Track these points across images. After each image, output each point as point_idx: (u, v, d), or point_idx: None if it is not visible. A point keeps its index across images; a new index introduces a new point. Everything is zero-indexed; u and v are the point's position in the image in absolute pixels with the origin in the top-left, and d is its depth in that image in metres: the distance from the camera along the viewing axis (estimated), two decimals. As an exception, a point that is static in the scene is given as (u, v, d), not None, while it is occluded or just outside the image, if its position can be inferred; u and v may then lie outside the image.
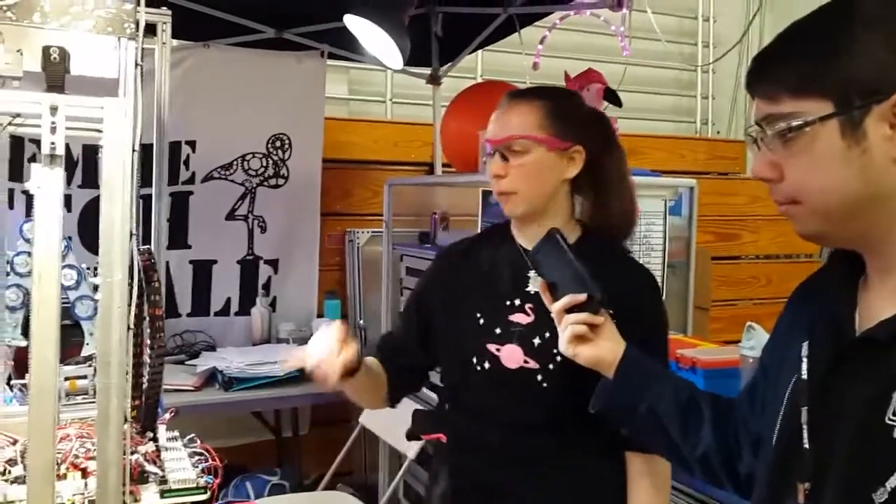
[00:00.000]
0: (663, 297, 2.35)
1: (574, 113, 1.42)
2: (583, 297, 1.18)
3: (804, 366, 0.94)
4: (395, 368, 1.48)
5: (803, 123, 0.85)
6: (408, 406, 2.69)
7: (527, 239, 1.42)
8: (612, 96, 2.15)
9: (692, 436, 1.14)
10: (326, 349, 1.29)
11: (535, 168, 1.36)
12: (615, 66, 3.36)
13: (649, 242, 2.29)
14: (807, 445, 0.91)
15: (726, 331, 3.99)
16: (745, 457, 1.09)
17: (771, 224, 4.77)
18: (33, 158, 2.80)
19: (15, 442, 1.23)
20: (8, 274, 1.42)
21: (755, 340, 1.85)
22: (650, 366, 1.22)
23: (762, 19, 4.85)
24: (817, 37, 0.87)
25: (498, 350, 1.37)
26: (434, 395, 2.35)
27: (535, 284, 1.39)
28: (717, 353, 1.99)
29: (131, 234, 1.09)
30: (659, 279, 2.32)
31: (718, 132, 5.26)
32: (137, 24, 1.14)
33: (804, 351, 0.95)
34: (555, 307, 1.21)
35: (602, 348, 1.19)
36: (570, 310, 1.19)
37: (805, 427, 0.91)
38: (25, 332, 1.43)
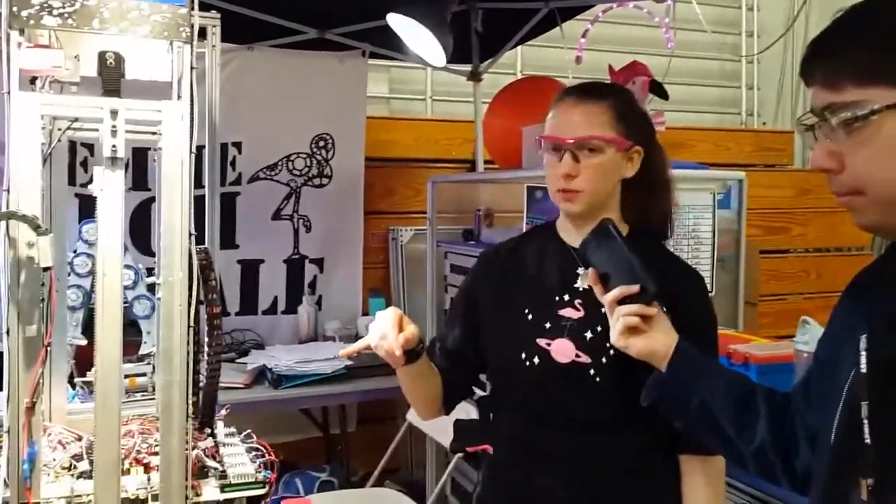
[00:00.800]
0: (712, 292, 2.32)
1: (635, 112, 1.43)
2: (635, 288, 1.17)
3: (863, 359, 0.92)
4: (448, 373, 1.47)
5: (869, 112, 0.83)
6: (458, 406, 2.71)
7: (575, 237, 1.42)
8: (657, 89, 2.12)
9: (747, 430, 1.13)
10: (388, 326, 1.30)
11: (604, 168, 1.37)
12: (659, 58, 3.31)
13: (698, 236, 2.26)
14: (868, 441, 0.89)
15: (775, 325, 3.93)
16: (802, 452, 1.08)
17: (820, 217, 4.67)
18: (85, 162, 2.87)
19: (80, 438, 1.27)
20: (69, 275, 1.46)
21: (810, 335, 1.82)
22: (703, 359, 1.20)
23: (808, 7, 4.74)
24: (883, 23, 0.85)
25: (548, 345, 1.36)
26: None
27: (583, 281, 1.39)
28: (770, 349, 1.96)
29: (190, 234, 1.11)
30: (708, 274, 2.29)
31: (764, 123, 5.16)
32: (192, 27, 1.16)
33: (863, 344, 0.93)
34: (607, 298, 1.20)
35: (655, 340, 1.17)
36: (623, 301, 1.18)
37: (866, 422, 0.89)
38: (85, 330, 1.47)
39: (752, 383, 1.18)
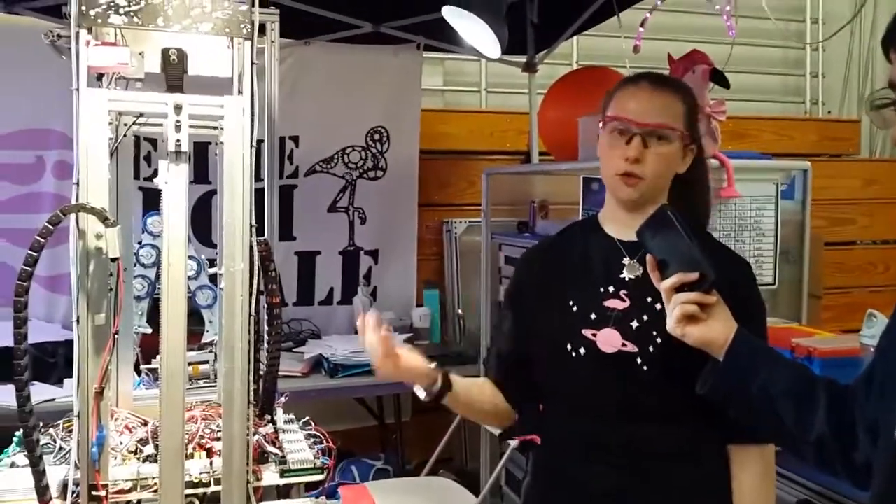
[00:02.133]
0: (775, 285, 2.26)
1: (697, 111, 1.45)
2: (694, 275, 1.15)
3: None
4: (508, 380, 1.49)
5: None
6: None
7: (622, 227, 1.41)
8: (718, 77, 2.07)
9: (806, 420, 1.10)
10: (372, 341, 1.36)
11: (670, 159, 1.37)
12: (719, 46, 3.24)
13: (760, 228, 2.20)
14: None
15: (839, 319, 3.81)
16: (863, 444, 1.05)
17: (887, 208, 4.51)
18: (148, 156, 2.95)
19: (145, 423, 1.31)
20: (134, 265, 1.50)
21: (876, 329, 1.77)
22: (763, 348, 1.18)
23: (877, -7, 4.58)
24: None
25: (594, 335, 1.35)
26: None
27: (629, 272, 1.38)
28: (835, 342, 1.90)
29: (251, 226, 1.14)
30: (770, 266, 2.23)
31: (829, 112, 5.00)
32: (252, 24, 1.18)
33: None
34: (664, 285, 1.18)
35: (713, 329, 1.15)
36: (680, 289, 1.16)
37: None
38: (150, 319, 1.52)
39: (812, 374, 1.15)
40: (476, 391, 1.47)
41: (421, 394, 1.39)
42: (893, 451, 0.95)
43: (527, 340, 1.46)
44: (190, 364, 1.52)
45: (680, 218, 1.21)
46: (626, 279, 1.38)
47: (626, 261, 1.38)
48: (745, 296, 1.34)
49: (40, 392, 2.51)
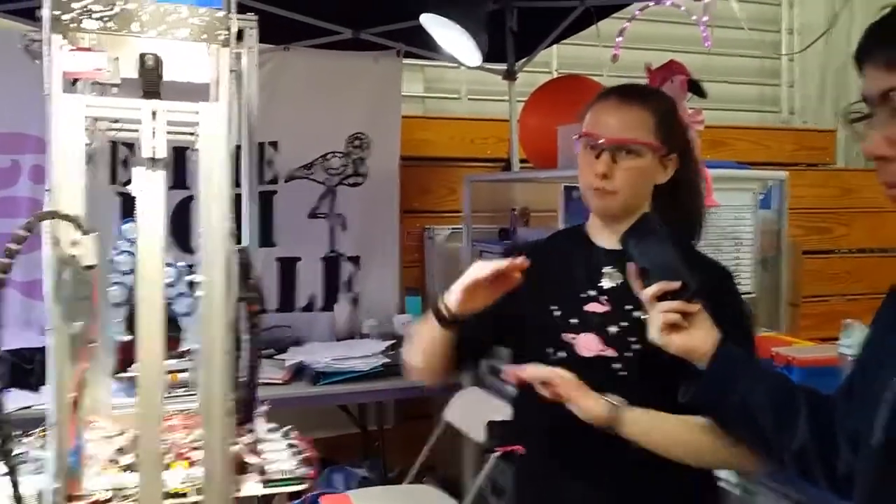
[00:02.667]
0: (754, 293, 2.28)
1: (675, 120, 1.44)
2: (677, 284, 1.16)
3: None
4: (461, 345, 1.43)
5: None
6: (492, 406, 2.70)
7: (605, 237, 1.42)
8: (695, 87, 2.09)
9: (787, 429, 1.11)
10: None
11: (641, 172, 1.38)
12: (696, 56, 3.27)
13: (738, 237, 2.23)
14: None
15: (817, 328, 3.84)
16: (843, 454, 1.05)
17: (864, 217, 4.57)
18: (125, 161, 2.92)
19: (122, 432, 1.29)
20: (111, 272, 1.48)
21: (854, 338, 1.79)
22: (745, 357, 1.19)
23: (851, 4, 4.64)
24: None
25: (573, 339, 1.36)
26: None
27: (609, 280, 1.39)
28: (814, 352, 1.92)
29: (230, 234, 1.13)
30: (749, 275, 2.25)
31: (805, 122, 5.06)
32: (230, 30, 1.17)
33: None
34: (646, 293, 1.19)
35: (695, 338, 1.16)
36: (663, 297, 1.17)
37: None
38: (128, 327, 1.50)
39: (793, 384, 1.16)
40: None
41: (443, 308, 1.35)
42: (873, 460, 0.96)
43: (496, 319, 1.41)
44: (168, 372, 1.49)
45: (663, 227, 1.22)
46: (605, 287, 1.39)
47: (606, 269, 1.40)
48: (728, 304, 1.35)
49: (18, 399, 2.47)
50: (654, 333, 1.18)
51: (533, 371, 1.28)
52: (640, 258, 1.22)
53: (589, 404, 1.26)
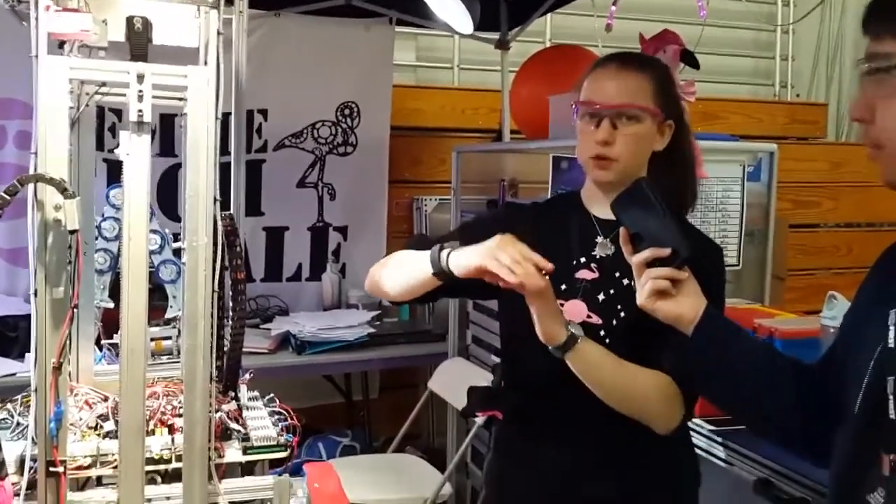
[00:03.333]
0: (739, 265, 2.29)
1: (671, 86, 1.44)
2: (667, 251, 1.15)
3: (891, 335, 0.91)
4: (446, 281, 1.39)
5: (894, 65, 0.85)
6: (476, 375, 2.72)
7: (601, 206, 1.42)
8: (689, 58, 2.08)
9: (769, 397, 1.12)
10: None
11: (641, 138, 1.37)
12: (691, 27, 3.25)
13: (726, 209, 2.23)
14: (893, 416, 0.88)
15: (802, 301, 3.88)
16: (823, 423, 1.07)
17: (852, 191, 4.58)
18: (113, 128, 2.89)
19: (106, 399, 1.29)
20: (96, 239, 1.47)
21: (837, 310, 1.80)
22: (731, 326, 1.19)
23: (846, -25, 4.62)
24: None
25: (562, 305, 1.36)
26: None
27: (602, 249, 1.40)
28: (796, 323, 1.94)
29: (215, 200, 1.12)
30: (735, 247, 2.26)
31: (798, 95, 5.06)
32: (218, -8, 1.15)
33: (891, 319, 0.92)
34: (636, 259, 1.18)
35: (683, 305, 1.16)
36: (652, 263, 1.17)
37: (892, 398, 0.89)
38: (112, 293, 1.49)
39: (778, 353, 1.17)
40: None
41: (445, 266, 1.30)
42: (853, 429, 0.97)
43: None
44: (152, 340, 1.50)
45: (656, 192, 1.21)
46: (598, 256, 1.39)
47: (599, 239, 1.41)
48: (712, 278, 1.34)
49: (2, 366, 2.47)
50: (643, 299, 1.18)
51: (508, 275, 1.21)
52: (631, 223, 1.21)
53: (548, 326, 1.26)
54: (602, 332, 1.34)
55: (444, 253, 1.30)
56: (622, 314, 1.34)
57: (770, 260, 2.37)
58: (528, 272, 1.21)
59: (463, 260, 1.27)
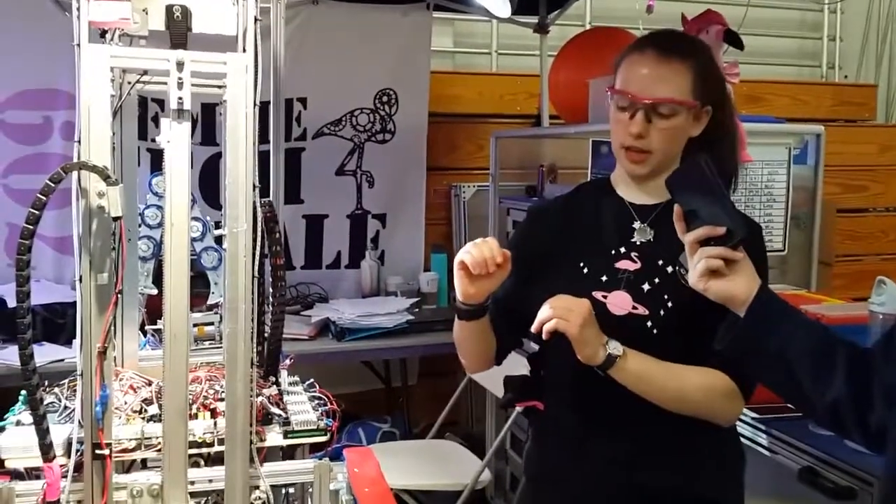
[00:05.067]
0: (784, 250, 2.24)
1: (713, 72, 1.39)
2: (722, 230, 1.13)
3: None
4: (499, 325, 1.44)
5: None
6: (515, 359, 2.71)
7: (634, 192, 1.40)
8: (733, 38, 2.03)
9: (823, 380, 1.08)
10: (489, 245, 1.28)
11: (676, 131, 1.33)
12: (735, 7, 3.18)
13: (771, 193, 2.17)
14: None
15: (850, 287, 3.79)
16: (878, 408, 1.04)
17: (902, 175, 4.46)
18: (156, 118, 2.93)
19: (150, 383, 1.31)
20: (139, 226, 1.50)
21: (886, 296, 1.75)
22: (784, 305, 1.16)
23: (898, -48, 4.47)
24: None
25: (605, 297, 1.34)
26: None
27: (640, 235, 1.37)
28: (843, 309, 1.89)
29: (254, 187, 1.13)
30: (780, 232, 2.21)
31: (846, 76, 4.91)
32: (256, -21, 1.16)
33: None
34: (689, 237, 1.15)
35: (737, 284, 1.13)
36: (706, 242, 1.14)
37: None
38: (156, 280, 1.51)
39: (834, 335, 1.13)
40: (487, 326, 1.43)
41: (462, 303, 1.35)
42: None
43: (528, 296, 1.40)
44: (195, 325, 1.52)
45: (713, 170, 1.17)
46: (638, 242, 1.37)
47: (637, 224, 1.37)
48: (755, 259, 1.32)
49: (50, 352, 2.53)
50: (695, 278, 1.15)
51: (541, 315, 1.26)
52: (686, 201, 1.18)
53: (584, 352, 1.26)
54: (649, 323, 1.31)
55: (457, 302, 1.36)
56: (669, 304, 1.31)
57: (816, 245, 2.32)
58: (565, 317, 1.24)
59: (457, 284, 1.31)
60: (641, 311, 1.32)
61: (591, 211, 1.43)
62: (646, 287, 1.33)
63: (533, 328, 1.27)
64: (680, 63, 1.33)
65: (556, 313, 1.25)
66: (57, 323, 2.71)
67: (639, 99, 1.31)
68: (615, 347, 1.26)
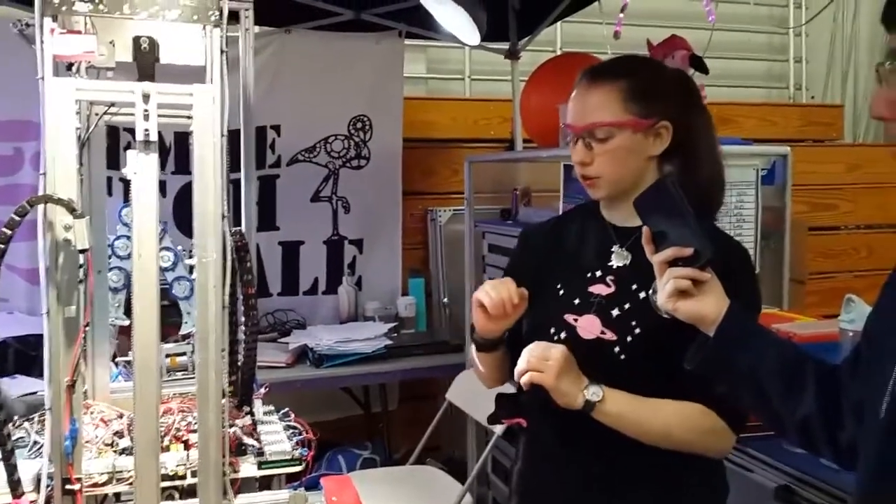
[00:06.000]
0: (757, 270, 2.26)
1: (657, 86, 1.36)
2: (689, 250, 1.14)
3: None
4: (511, 348, 1.45)
5: None
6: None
7: (615, 215, 1.41)
8: (698, 63, 2.07)
9: (793, 398, 1.09)
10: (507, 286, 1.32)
11: (620, 153, 1.33)
12: (700, 31, 3.23)
13: (741, 214, 2.20)
14: None
15: (824, 304, 3.83)
16: (848, 425, 1.05)
17: (870, 192, 4.53)
18: (128, 147, 2.92)
19: (121, 416, 1.30)
20: (109, 257, 1.49)
21: (855, 313, 1.77)
22: (754, 325, 1.17)
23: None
24: None
25: (575, 320, 1.35)
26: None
27: (617, 259, 1.38)
28: (814, 327, 1.92)
29: (223, 216, 1.13)
30: (752, 252, 2.24)
31: (813, 97, 5.01)
32: (221, 11, 1.16)
33: None
34: (657, 258, 1.16)
35: (706, 304, 1.14)
36: (674, 263, 1.15)
37: None
38: (127, 311, 1.50)
39: (804, 354, 1.14)
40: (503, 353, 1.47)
41: (480, 338, 1.40)
42: (880, 432, 0.95)
43: (523, 318, 1.42)
44: (168, 356, 1.50)
45: (679, 191, 1.19)
46: (614, 266, 1.38)
47: (615, 248, 1.38)
48: (739, 281, 1.29)
49: (23, 385, 2.48)
50: (663, 299, 1.16)
51: (519, 366, 1.29)
52: (654, 222, 1.19)
53: (564, 402, 1.28)
54: (616, 349, 1.32)
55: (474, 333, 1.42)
56: (637, 330, 1.31)
57: (787, 264, 2.35)
58: (540, 368, 1.27)
59: (475, 319, 1.37)
60: (609, 336, 1.33)
61: (576, 233, 1.45)
62: (615, 312, 1.34)
63: (515, 377, 1.30)
64: (609, 85, 1.34)
65: (532, 365, 1.26)
66: (30, 355, 2.67)
67: (572, 128, 1.35)
68: (594, 393, 1.27)
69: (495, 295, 1.30)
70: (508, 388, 1.52)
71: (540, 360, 1.26)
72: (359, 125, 3.57)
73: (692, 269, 1.14)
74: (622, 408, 1.28)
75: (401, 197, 3.68)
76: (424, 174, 3.85)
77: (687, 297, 1.15)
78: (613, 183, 1.35)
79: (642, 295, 1.33)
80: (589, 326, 1.34)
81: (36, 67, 1.09)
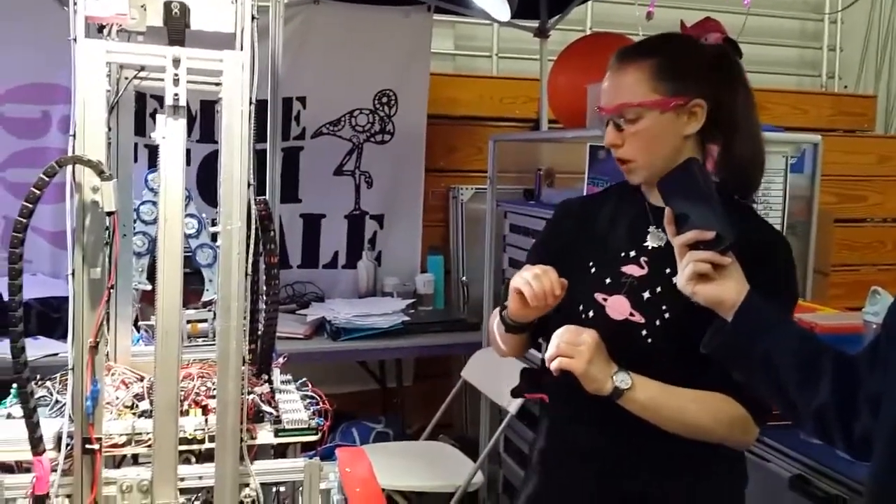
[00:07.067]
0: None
1: (689, 63, 1.33)
2: (711, 234, 1.13)
3: None
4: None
5: None
6: (509, 363, 2.70)
7: (654, 194, 1.38)
8: (732, 47, 2.02)
9: (809, 387, 1.08)
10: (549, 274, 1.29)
11: (650, 134, 1.30)
12: (734, 16, 3.18)
13: (768, 201, 2.17)
14: None
15: (847, 297, 3.78)
16: (863, 416, 1.04)
17: (900, 185, 4.46)
18: (154, 114, 2.93)
19: (142, 379, 1.31)
20: (135, 222, 1.50)
21: (880, 305, 1.75)
22: (773, 312, 1.16)
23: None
24: None
25: (605, 300, 1.33)
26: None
27: (653, 239, 1.35)
28: (837, 318, 1.89)
29: (249, 184, 1.13)
30: (776, 240, 2.21)
31: (846, 86, 4.92)
32: (253, -23, 1.16)
33: None
34: (678, 240, 1.16)
35: (725, 288, 1.13)
36: (695, 245, 1.14)
37: None
38: (150, 276, 1.52)
39: (822, 342, 1.13)
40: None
41: (511, 320, 1.38)
42: (894, 424, 0.94)
43: None
44: (189, 322, 1.52)
45: (704, 173, 1.17)
46: (649, 247, 1.35)
47: (651, 228, 1.36)
48: (772, 270, 1.27)
49: (45, 346, 2.52)
50: (683, 281, 1.15)
51: (549, 351, 1.28)
52: (677, 204, 1.18)
53: (593, 388, 1.27)
54: (644, 332, 1.31)
55: (505, 312, 1.38)
56: (666, 315, 1.29)
57: (812, 254, 2.32)
58: (570, 354, 1.25)
59: (510, 304, 1.33)
60: (638, 318, 1.31)
61: (611, 212, 1.43)
62: (646, 295, 1.32)
63: (546, 363, 1.29)
64: (636, 65, 1.31)
65: (562, 350, 1.25)
66: (52, 317, 2.71)
67: (603, 110, 1.34)
68: (623, 380, 1.26)
69: (537, 286, 1.26)
70: (518, 371, 1.53)
71: (570, 346, 1.25)
72: (384, 100, 3.56)
73: (713, 252, 1.13)
74: (650, 396, 1.27)
75: (423, 173, 3.67)
76: (448, 151, 3.83)
77: (707, 280, 1.14)
78: (648, 166, 1.32)
79: (675, 279, 1.31)
80: (618, 307, 1.33)
81: (64, 30, 1.09)
